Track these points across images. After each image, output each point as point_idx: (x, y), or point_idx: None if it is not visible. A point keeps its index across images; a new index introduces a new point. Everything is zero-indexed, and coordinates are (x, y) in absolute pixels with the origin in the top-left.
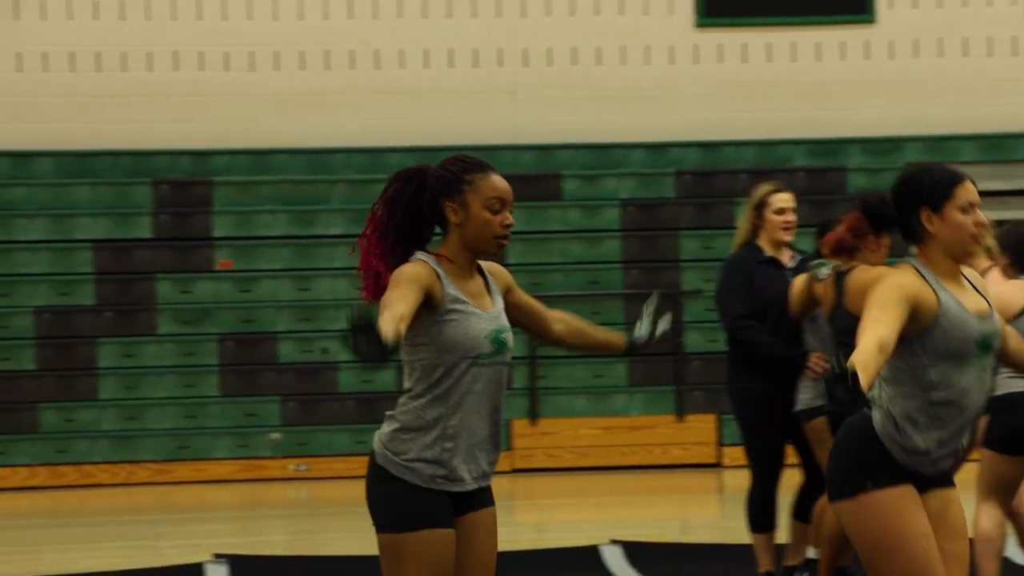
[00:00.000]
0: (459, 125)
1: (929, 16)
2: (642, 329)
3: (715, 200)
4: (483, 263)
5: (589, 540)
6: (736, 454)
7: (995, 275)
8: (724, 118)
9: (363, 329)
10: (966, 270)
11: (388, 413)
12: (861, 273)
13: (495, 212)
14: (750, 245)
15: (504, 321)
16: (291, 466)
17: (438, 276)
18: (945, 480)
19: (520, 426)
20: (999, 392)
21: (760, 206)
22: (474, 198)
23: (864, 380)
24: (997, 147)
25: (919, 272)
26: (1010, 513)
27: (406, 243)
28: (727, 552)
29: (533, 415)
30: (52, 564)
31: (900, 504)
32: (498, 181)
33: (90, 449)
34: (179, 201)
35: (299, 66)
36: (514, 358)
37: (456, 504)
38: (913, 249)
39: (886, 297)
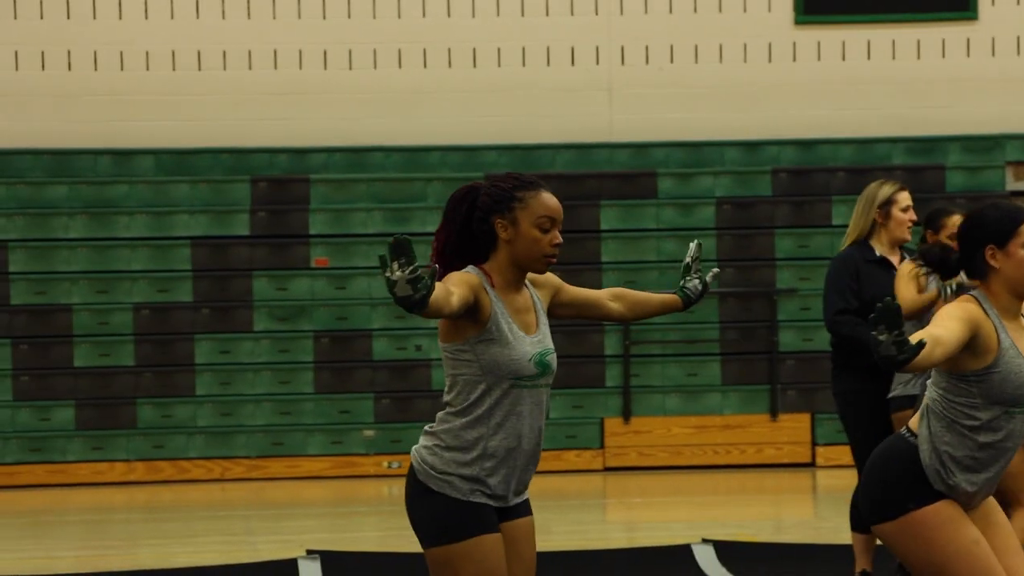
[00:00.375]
0: (555, 123)
1: None
2: (692, 281)
3: (811, 198)
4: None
5: (681, 539)
6: (830, 454)
7: None
8: (821, 116)
9: (401, 252)
10: None
11: (427, 428)
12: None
13: (545, 231)
14: (861, 243)
15: (549, 343)
16: (384, 463)
17: (486, 289)
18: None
19: (613, 424)
20: None
21: (887, 203)
22: (524, 215)
23: (924, 351)
24: None
25: (982, 306)
26: (1003, 503)
27: (462, 263)
28: (820, 552)
29: (626, 414)
30: (148, 559)
31: (945, 517)
32: (549, 199)
33: (186, 444)
34: (276, 199)
35: (396, 64)
36: (608, 356)
37: (496, 513)
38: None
39: (952, 313)
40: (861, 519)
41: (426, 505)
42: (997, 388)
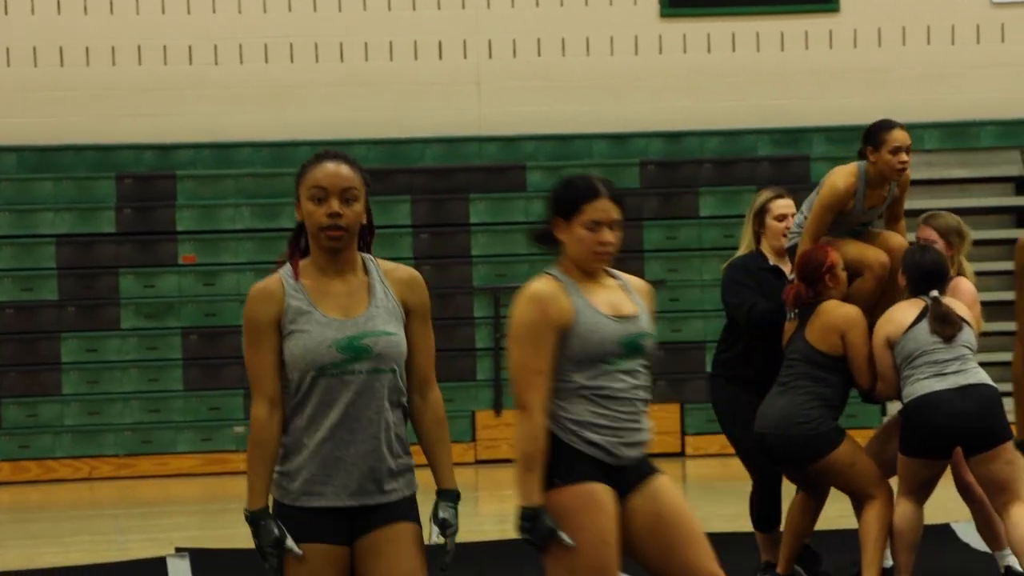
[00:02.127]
0: (424, 117)
1: (892, 5)
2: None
3: (679, 190)
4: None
5: None
6: (699, 443)
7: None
8: (688, 108)
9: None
10: None
11: None
12: (832, 307)
13: (320, 202)
14: (754, 253)
15: (376, 325)
16: None
17: (284, 286)
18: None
19: (484, 417)
20: (912, 395)
21: (761, 212)
22: (303, 190)
23: None
24: (960, 135)
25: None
26: (968, 499)
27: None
28: None
29: (497, 406)
30: (16, 559)
31: (584, 501)
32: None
33: (53, 444)
34: (142, 195)
35: (263, 58)
36: (478, 349)
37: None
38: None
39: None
40: (758, 519)
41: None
42: (579, 348)
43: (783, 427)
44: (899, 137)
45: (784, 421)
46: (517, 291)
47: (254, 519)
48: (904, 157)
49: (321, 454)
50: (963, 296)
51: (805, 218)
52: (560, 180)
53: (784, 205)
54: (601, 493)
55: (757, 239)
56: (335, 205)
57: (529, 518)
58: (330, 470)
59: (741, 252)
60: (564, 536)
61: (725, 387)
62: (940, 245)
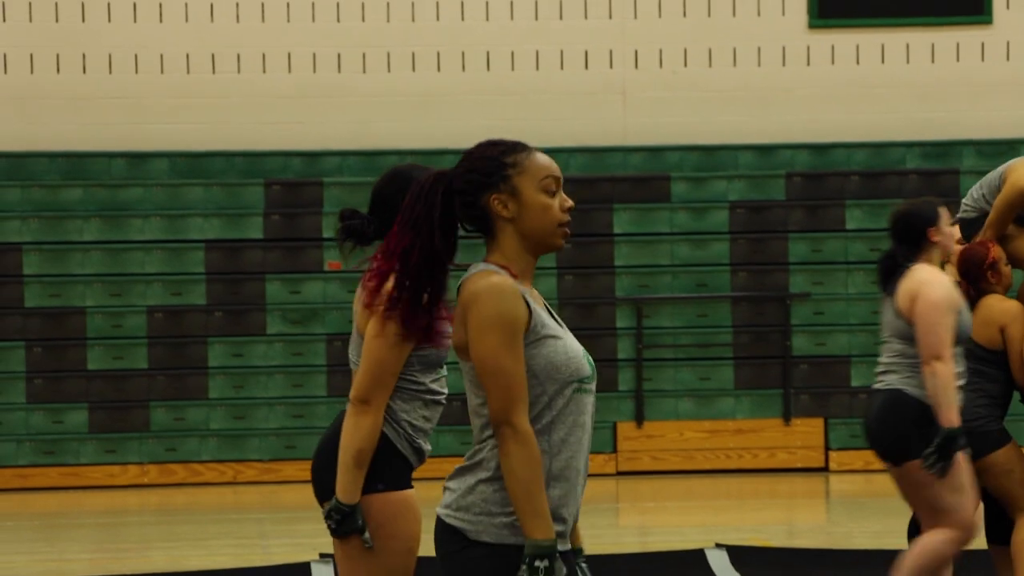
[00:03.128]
0: (569, 126)
1: None
2: None
3: (825, 203)
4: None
5: (694, 544)
6: (843, 459)
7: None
8: (835, 120)
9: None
10: None
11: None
12: (994, 302)
13: (552, 194)
14: None
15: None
16: None
17: (522, 296)
18: None
19: (626, 428)
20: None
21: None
22: (525, 181)
23: None
24: None
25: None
26: None
27: (444, 266)
28: (833, 557)
29: (639, 418)
30: (161, 562)
31: (402, 507)
32: (544, 157)
33: (199, 448)
34: (290, 202)
35: (410, 67)
36: (621, 360)
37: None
38: None
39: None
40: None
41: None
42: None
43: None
44: None
45: (967, 420)
46: (659, 302)
47: (549, 552)
48: None
49: (569, 481)
50: None
51: (983, 196)
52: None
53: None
54: (416, 501)
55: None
56: (568, 199)
57: (343, 514)
58: (568, 502)
59: None
60: (367, 539)
61: None
62: None
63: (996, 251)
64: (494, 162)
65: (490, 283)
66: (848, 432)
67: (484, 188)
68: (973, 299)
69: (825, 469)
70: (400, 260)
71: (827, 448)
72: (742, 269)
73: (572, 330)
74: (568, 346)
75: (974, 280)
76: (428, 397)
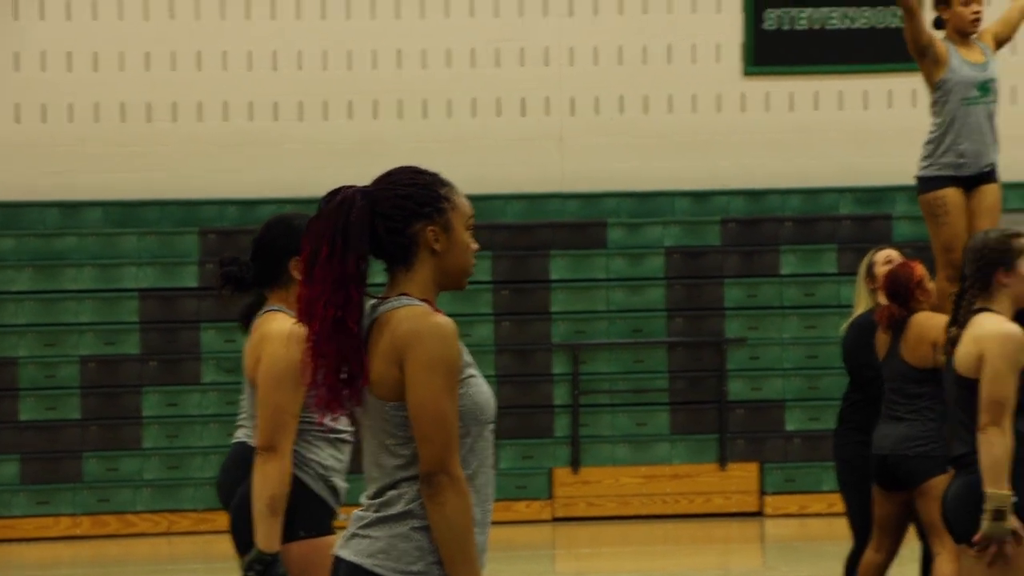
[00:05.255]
0: (506, 173)
1: None
2: None
3: (760, 248)
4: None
5: None
6: (778, 503)
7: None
8: (770, 166)
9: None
10: None
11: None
12: (923, 319)
13: (472, 235)
14: (873, 310)
15: None
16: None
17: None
18: None
19: (562, 474)
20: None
21: (870, 269)
22: (457, 218)
23: None
24: None
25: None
26: None
27: (360, 294)
28: None
29: (575, 464)
30: None
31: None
32: (465, 198)
33: (133, 498)
34: (225, 250)
35: (347, 115)
36: (557, 406)
37: None
38: None
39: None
40: None
41: None
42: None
43: (904, 448)
44: None
45: (906, 441)
46: (595, 348)
47: None
48: (976, 7)
49: (487, 525)
50: None
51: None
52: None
53: (885, 255)
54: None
55: (874, 296)
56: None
57: (265, 564)
58: (485, 547)
59: (859, 311)
60: None
61: (852, 443)
62: None
63: (921, 269)
64: (431, 192)
65: (434, 323)
66: (783, 476)
67: (418, 217)
68: (902, 319)
69: (760, 514)
70: (319, 280)
71: (762, 492)
72: (678, 315)
73: (509, 376)
74: (484, 383)
75: (904, 301)
76: (332, 436)
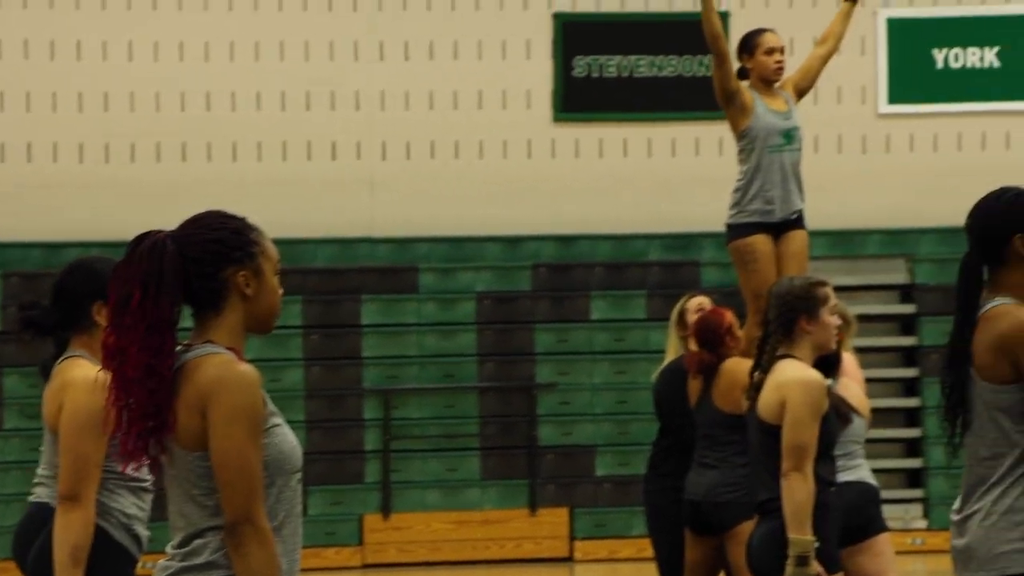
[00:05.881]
0: (317, 217)
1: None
2: None
3: (570, 294)
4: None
5: None
6: (588, 548)
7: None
8: (580, 212)
9: None
10: None
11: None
12: (733, 365)
13: (279, 280)
14: (684, 357)
15: None
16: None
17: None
18: None
19: (372, 520)
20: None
21: (682, 316)
22: (267, 263)
23: None
24: (847, 243)
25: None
26: None
27: (174, 340)
28: None
29: (386, 509)
30: None
31: None
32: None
33: None
34: (29, 294)
35: (155, 158)
36: (368, 452)
37: None
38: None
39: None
40: None
41: None
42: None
43: (715, 494)
44: (770, 39)
45: (717, 487)
46: (407, 393)
47: None
48: (779, 57)
49: (292, 574)
50: (852, 373)
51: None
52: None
53: (697, 303)
54: None
55: (685, 344)
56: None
57: None
58: None
59: (670, 358)
60: None
61: (662, 489)
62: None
63: (730, 316)
64: (241, 237)
65: (238, 372)
66: (592, 521)
67: (229, 262)
68: (712, 366)
69: (570, 559)
70: (130, 327)
71: (572, 538)
72: (489, 360)
73: (319, 422)
74: (289, 432)
75: (714, 347)
76: (134, 484)
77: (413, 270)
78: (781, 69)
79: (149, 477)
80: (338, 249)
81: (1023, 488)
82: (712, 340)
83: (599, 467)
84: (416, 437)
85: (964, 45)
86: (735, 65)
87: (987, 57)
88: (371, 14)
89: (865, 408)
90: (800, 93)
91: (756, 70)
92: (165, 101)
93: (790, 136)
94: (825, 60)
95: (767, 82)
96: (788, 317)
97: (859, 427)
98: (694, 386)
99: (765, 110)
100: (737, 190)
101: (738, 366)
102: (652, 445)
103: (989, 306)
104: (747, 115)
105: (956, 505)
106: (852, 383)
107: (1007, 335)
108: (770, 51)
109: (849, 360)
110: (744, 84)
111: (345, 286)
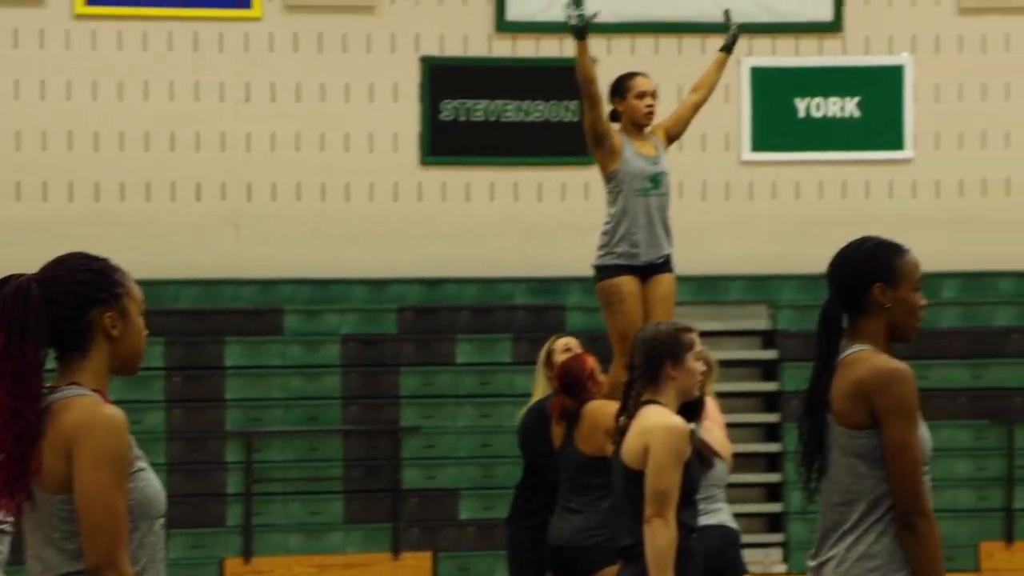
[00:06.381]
0: (181, 258)
1: None
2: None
3: (436, 337)
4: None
5: None
6: None
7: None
8: (446, 255)
9: None
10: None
11: None
12: (595, 408)
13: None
14: (549, 397)
15: None
16: None
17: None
18: None
19: (233, 564)
20: None
21: (549, 357)
22: (132, 304)
23: None
24: (710, 288)
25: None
26: None
27: (40, 384)
28: None
29: (247, 553)
30: None
31: None
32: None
33: None
34: None
35: (14, 196)
36: (229, 494)
37: None
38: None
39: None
40: None
41: None
42: None
43: (579, 539)
44: (642, 83)
45: (581, 532)
46: (270, 436)
47: None
48: (649, 101)
49: None
50: (714, 417)
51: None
52: None
53: (564, 343)
54: None
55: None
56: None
57: None
58: None
59: (537, 398)
60: None
61: (525, 532)
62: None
63: (592, 361)
64: (106, 278)
65: (104, 415)
66: (456, 565)
67: (94, 303)
68: (574, 411)
69: None
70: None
71: None
72: (353, 403)
73: (180, 464)
74: (153, 476)
75: (575, 392)
76: None
77: (278, 312)
78: (651, 113)
79: (8, 519)
80: (202, 290)
81: (876, 534)
82: (574, 386)
83: (463, 511)
84: (279, 480)
85: (825, 95)
86: (607, 107)
87: (847, 107)
88: (237, 55)
89: (727, 452)
90: (671, 139)
91: (627, 113)
92: (26, 140)
93: (657, 181)
94: (697, 108)
95: (637, 126)
96: (654, 363)
97: (721, 471)
98: (557, 430)
99: (634, 154)
100: (605, 232)
101: (601, 409)
102: (515, 488)
103: (847, 353)
104: (616, 158)
105: (812, 551)
106: (715, 427)
107: (864, 381)
108: (641, 95)
109: (711, 404)
110: (615, 127)
111: (209, 328)
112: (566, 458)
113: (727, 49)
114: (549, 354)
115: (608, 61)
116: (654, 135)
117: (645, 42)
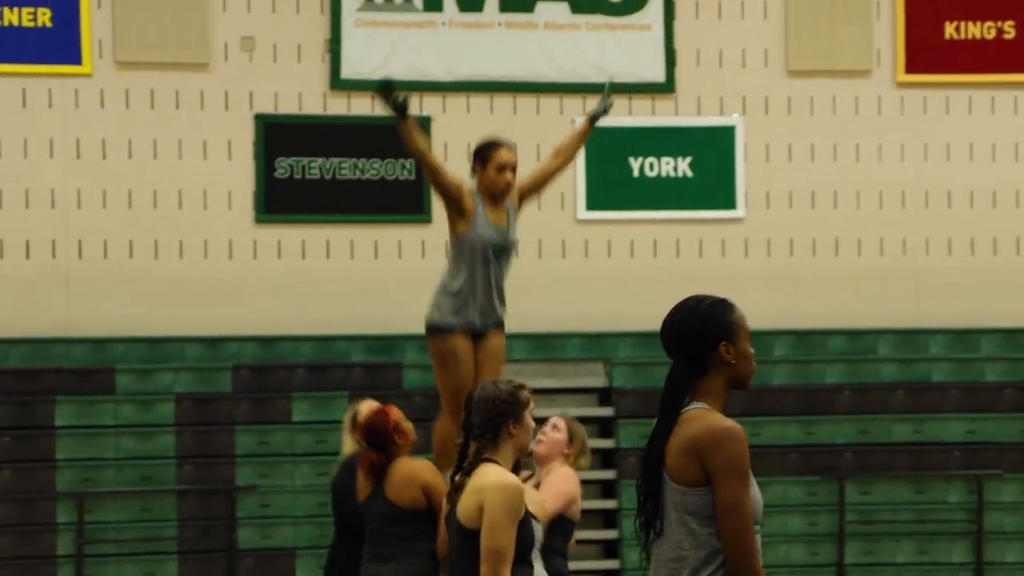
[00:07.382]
0: (10, 316)
1: None
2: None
3: (272, 395)
4: None
5: None
6: None
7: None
8: (282, 313)
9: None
10: None
11: None
12: (405, 462)
13: None
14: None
15: None
16: None
17: None
18: None
19: None
20: None
21: (354, 418)
22: None
23: None
24: (547, 346)
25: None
26: None
27: None
28: None
29: None
30: None
31: None
32: None
33: None
34: None
35: None
36: (60, 556)
37: None
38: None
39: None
40: None
41: None
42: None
43: None
44: (504, 156)
45: None
46: (102, 496)
47: None
48: (509, 175)
49: None
50: (556, 483)
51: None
52: None
53: (368, 407)
54: None
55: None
56: None
57: None
58: None
59: (347, 453)
60: None
61: None
62: (562, 436)
63: (396, 413)
64: None
65: None
66: None
67: None
68: (382, 465)
69: None
70: None
71: None
72: (188, 462)
73: (9, 527)
74: None
75: (382, 447)
76: None
77: (110, 371)
78: (509, 187)
79: None
80: (32, 349)
81: None
82: (379, 440)
83: (299, 570)
84: (112, 541)
85: (659, 155)
86: (467, 169)
87: (680, 166)
88: (67, 111)
89: (542, 513)
90: (524, 194)
91: (484, 183)
92: None
93: (504, 252)
94: (555, 174)
95: (493, 196)
96: (496, 421)
97: (536, 531)
98: (363, 483)
99: (484, 222)
100: (442, 291)
101: (412, 463)
102: (331, 545)
103: (685, 410)
104: (467, 222)
105: None
106: (532, 490)
107: (697, 439)
108: (501, 168)
109: (567, 473)
110: (470, 189)
111: (39, 387)
112: (374, 508)
113: (594, 119)
114: (354, 416)
115: (443, 120)
116: (508, 201)
117: (480, 101)
